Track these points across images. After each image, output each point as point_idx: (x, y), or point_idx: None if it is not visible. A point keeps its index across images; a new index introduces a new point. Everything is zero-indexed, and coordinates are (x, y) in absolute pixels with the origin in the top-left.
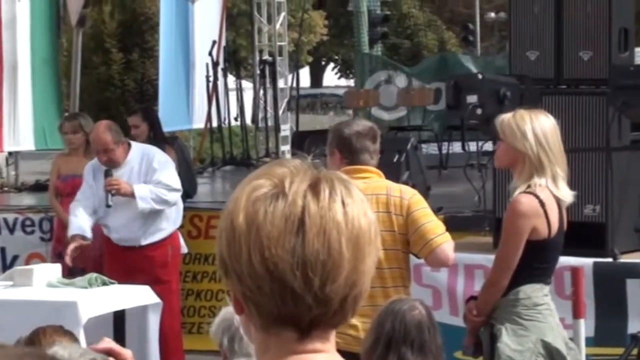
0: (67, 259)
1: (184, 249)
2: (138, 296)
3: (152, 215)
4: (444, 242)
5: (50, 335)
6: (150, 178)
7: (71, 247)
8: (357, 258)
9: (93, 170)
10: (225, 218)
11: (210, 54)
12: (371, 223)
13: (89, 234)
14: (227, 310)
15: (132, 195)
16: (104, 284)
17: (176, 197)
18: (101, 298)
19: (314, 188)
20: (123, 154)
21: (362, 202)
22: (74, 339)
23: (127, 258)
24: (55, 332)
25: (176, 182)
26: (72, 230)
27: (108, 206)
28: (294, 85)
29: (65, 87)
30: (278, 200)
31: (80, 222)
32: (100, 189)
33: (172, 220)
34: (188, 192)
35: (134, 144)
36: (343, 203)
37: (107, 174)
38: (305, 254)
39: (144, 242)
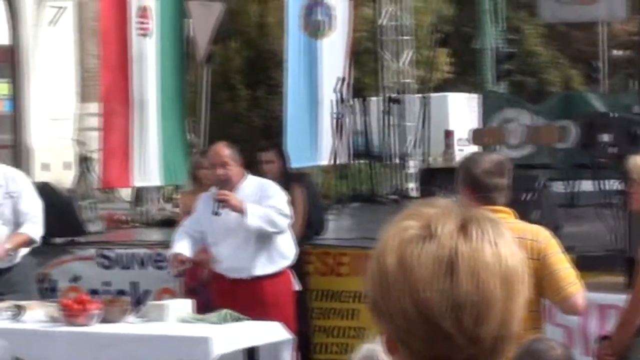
0: (174, 271)
1: (296, 286)
2: (270, 332)
3: (264, 246)
4: (577, 292)
5: None
6: (263, 203)
7: (174, 258)
8: (509, 298)
9: (204, 198)
10: (374, 259)
11: (335, 90)
12: (521, 262)
13: (189, 254)
14: (367, 347)
15: (241, 210)
16: (237, 319)
17: (285, 223)
18: (233, 334)
19: (464, 228)
20: (238, 176)
21: (511, 241)
22: None
23: (236, 293)
24: None
25: (287, 209)
26: (173, 249)
27: (215, 214)
28: (420, 122)
29: (192, 123)
30: (428, 242)
31: (182, 244)
32: (209, 206)
33: (284, 256)
34: (317, 229)
35: (250, 175)
36: (493, 243)
37: (219, 188)
38: (457, 296)
39: (253, 275)
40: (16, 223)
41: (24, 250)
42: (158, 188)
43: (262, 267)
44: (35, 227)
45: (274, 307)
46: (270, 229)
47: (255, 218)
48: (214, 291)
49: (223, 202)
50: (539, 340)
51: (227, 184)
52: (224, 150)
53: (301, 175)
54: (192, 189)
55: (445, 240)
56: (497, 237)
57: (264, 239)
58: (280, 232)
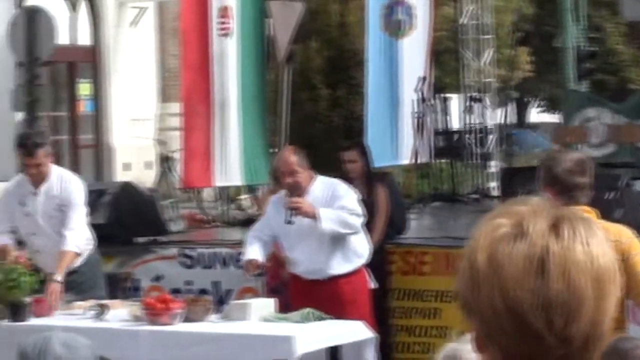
0: (248, 276)
1: (372, 284)
2: (353, 331)
3: (339, 246)
4: None
5: None
6: (334, 204)
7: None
8: (600, 297)
9: (275, 201)
10: (466, 257)
11: (416, 89)
12: (613, 262)
13: (262, 258)
14: (451, 347)
15: (313, 216)
16: (319, 318)
17: (359, 222)
18: (316, 333)
19: (555, 227)
20: (307, 180)
21: (603, 241)
22: None
23: (313, 292)
24: None
25: (359, 208)
26: (247, 255)
27: (289, 222)
28: (502, 121)
29: (272, 123)
30: (519, 240)
31: (254, 249)
32: (281, 211)
33: (359, 254)
34: (399, 228)
35: (318, 177)
36: (585, 242)
37: (290, 195)
38: (548, 295)
39: (330, 274)
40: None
41: (88, 249)
42: (221, 189)
43: (338, 266)
44: (73, 241)
45: (351, 306)
46: (345, 231)
47: (329, 222)
48: (291, 291)
49: (295, 210)
50: (625, 339)
51: (296, 190)
52: (291, 158)
53: (384, 174)
54: (273, 188)
55: (537, 239)
56: (589, 236)
57: (338, 239)
58: (354, 233)
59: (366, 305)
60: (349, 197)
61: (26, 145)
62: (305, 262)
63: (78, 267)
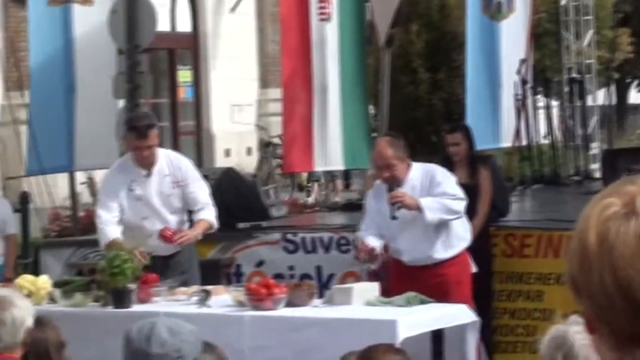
0: (361, 258)
1: (474, 268)
2: (456, 315)
3: (442, 231)
4: None
5: (383, 353)
6: (434, 191)
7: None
8: None
9: (374, 194)
10: (575, 238)
11: (518, 72)
12: None
13: (379, 250)
14: (558, 328)
15: (417, 208)
16: (422, 302)
17: (462, 206)
18: (419, 317)
19: None
20: (404, 171)
21: None
22: (406, 357)
23: (415, 277)
24: (387, 350)
25: (460, 192)
26: (367, 242)
27: (393, 218)
28: (603, 103)
29: (373, 107)
30: (630, 219)
31: (373, 239)
32: (384, 206)
33: (461, 238)
34: (502, 211)
35: (414, 164)
36: None
37: (390, 190)
38: None
39: (435, 260)
40: (184, 211)
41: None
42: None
43: (442, 251)
44: (212, 213)
45: (453, 290)
46: (450, 217)
47: (433, 212)
48: (392, 276)
49: (398, 204)
50: None
51: (395, 183)
52: (387, 151)
53: (487, 157)
54: (374, 172)
55: None
56: None
57: (441, 225)
58: (459, 217)
59: (468, 289)
60: (448, 181)
61: (139, 128)
62: (410, 251)
63: (179, 252)
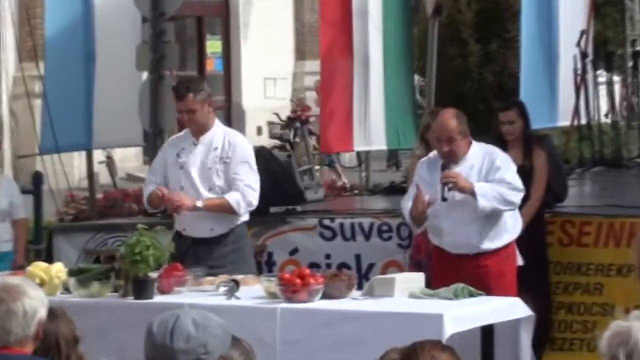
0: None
1: (520, 261)
2: (509, 309)
3: (491, 221)
4: None
5: (429, 350)
6: (492, 177)
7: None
8: None
9: (428, 165)
10: None
11: (578, 44)
12: None
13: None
14: (620, 324)
15: (470, 191)
16: (471, 294)
17: (518, 198)
18: (468, 311)
19: None
20: (465, 148)
21: None
22: (454, 355)
23: (458, 267)
24: (433, 347)
25: (519, 182)
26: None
27: (444, 199)
28: None
29: (419, 81)
30: None
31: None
32: (436, 182)
33: (510, 229)
34: (559, 195)
35: (475, 143)
36: None
37: (445, 167)
38: None
39: (477, 249)
40: (224, 191)
41: (234, 222)
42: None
43: (488, 242)
44: (238, 196)
45: (497, 283)
46: (504, 208)
47: (487, 200)
48: (432, 266)
49: (450, 185)
50: None
51: (453, 159)
52: (451, 123)
53: (542, 137)
54: (420, 153)
55: None
56: None
57: (491, 214)
58: (513, 209)
59: (511, 283)
60: (509, 169)
61: (177, 89)
62: (454, 233)
63: (223, 236)
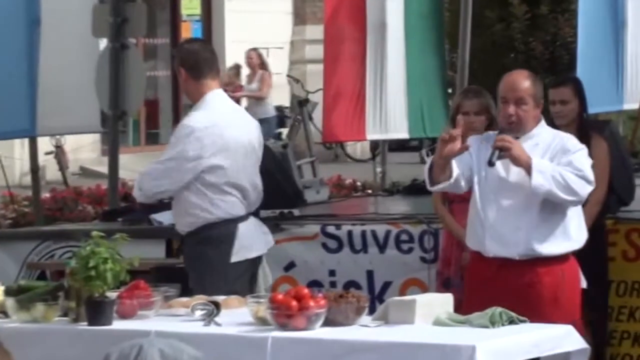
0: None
1: (584, 283)
2: (558, 340)
3: (548, 218)
4: None
5: None
6: (559, 160)
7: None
8: None
9: (482, 138)
10: None
11: None
12: None
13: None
14: None
15: (526, 164)
16: (511, 321)
17: (585, 191)
18: (507, 342)
19: None
20: (532, 122)
21: None
22: None
23: (500, 278)
24: None
25: (590, 173)
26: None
27: (490, 164)
28: None
29: (450, 52)
30: None
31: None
32: (486, 156)
33: (573, 235)
34: (622, 197)
35: (543, 122)
36: None
37: (503, 131)
38: None
39: (528, 253)
40: None
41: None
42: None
43: (542, 245)
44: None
45: (553, 304)
46: (564, 196)
47: (543, 178)
48: (468, 276)
49: (503, 150)
50: None
51: (516, 128)
52: (523, 82)
53: (604, 122)
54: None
55: None
56: None
57: (551, 208)
58: (576, 202)
59: (575, 306)
60: (580, 154)
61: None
62: (497, 225)
63: (187, 244)
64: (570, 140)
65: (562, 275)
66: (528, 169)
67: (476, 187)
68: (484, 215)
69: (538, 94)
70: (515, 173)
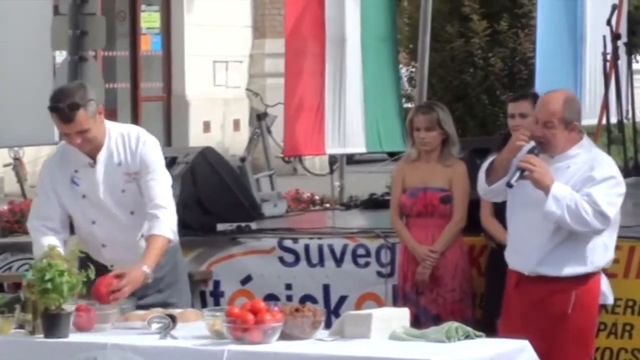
0: None
1: (609, 299)
2: (513, 353)
3: (562, 239)
4: None
5: None
6: (582, 188)
7: None
8: None
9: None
10: None
11: (608, 23)
12: None
13: None
14: None
15: (546, 189)
16: (467, 336)
17: (599, 225)
18: (463, 356)
19: None
20: (567, 143)
21: None
22: None
23: (515, 293)
24: None
25: (610, 209)
26: None
27: (509, 185)
28: None
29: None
30: None
31: None
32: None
33: (587, 260)
34: None
35: (586, 140)
36: None
37: (533, 150)
38: None
39: (534, 270)
40: (141, 211)
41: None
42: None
43: (547, 266)
44: (167, 223)
45: (560, 326)
46: (575, 226)
47: (557, 205)
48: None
49: (525, 172)
50: None
51: (545, 148)
52: (554, 105)
53: None
54: (413, 157)
55: None
56: None
57: (568, 231)
58: (589, 233)
59: (590, 328)
60: (605, 186)
61: (59, 109)
62: (517, 237)
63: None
64: (600, 167)
65: (572, 297)
66: (547, 193)
67: (509, 196)
68: (510, 225)
69: (569, 116)
70: (539, 191)
